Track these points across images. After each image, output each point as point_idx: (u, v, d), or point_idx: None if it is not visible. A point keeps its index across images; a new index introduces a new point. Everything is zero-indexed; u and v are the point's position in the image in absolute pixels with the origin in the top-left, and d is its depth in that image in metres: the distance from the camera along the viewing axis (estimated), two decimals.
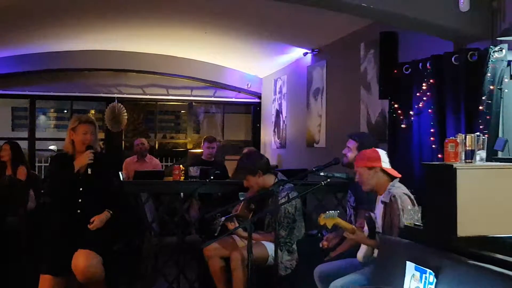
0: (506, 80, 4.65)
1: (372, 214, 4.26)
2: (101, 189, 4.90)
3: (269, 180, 5.31)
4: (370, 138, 5.26)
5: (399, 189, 4.16)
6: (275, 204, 4.97)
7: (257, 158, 5.48)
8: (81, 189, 4.84)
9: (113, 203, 4.92)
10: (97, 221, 4.77)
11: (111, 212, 4.85)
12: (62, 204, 4.89)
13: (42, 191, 6.82)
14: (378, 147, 5.02)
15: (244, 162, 5.46)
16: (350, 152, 5.00)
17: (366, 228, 4.21)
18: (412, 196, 4.09)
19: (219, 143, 9.82)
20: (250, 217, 5.24)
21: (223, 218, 5.08)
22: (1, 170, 7.17)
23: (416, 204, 4.01)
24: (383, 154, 4.37)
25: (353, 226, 4.23)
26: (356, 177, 4.40)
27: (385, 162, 4.31)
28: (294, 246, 5.21)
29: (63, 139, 5.09)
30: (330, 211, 4.17)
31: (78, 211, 4.81)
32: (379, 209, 4.26)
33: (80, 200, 4.83)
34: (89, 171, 4.82)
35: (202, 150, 8.81)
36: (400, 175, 4.32)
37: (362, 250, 4.26)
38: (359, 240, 4.24)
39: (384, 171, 4.28)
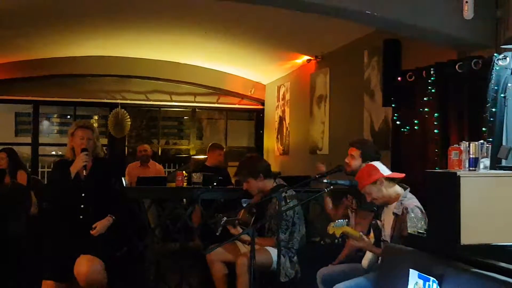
0: (510, 88, 4.65)
1: (378, 222, 4.26)
2: (103, 194, 4.89)
3: (269, 184, 5.38)
4: (372, 145, 5.25)
5: (411, 201, 4.13)
6: (275, 209, 5.01)
7: (259, 162, 5.59)
8: (83, 194, 4.84)
9: (115, 208, 4.90)
10: (100, 226, 4.76)
11: (113, 217, 4.85)
12: (64, 209, 4.88)
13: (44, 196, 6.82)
14: (380, 154, 5.04)
15: (246, 165, 5.51)
16: (354, 160, 5.00)
17: (371, 235, 4.22)
18: (423, 209, 4.07)
19: None
20: (252, 222, 5.25)
21: (224, 218, 5.10)
22: (0, 178, 7.16)
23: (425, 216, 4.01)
24: (378, 164, 4.36)
25: (360, 233, 4.22)
26: (367, 197, 4.35)
27: (384, 170, 4.28)
28: (296, 258, 5.23)
29: (66, 145, 5.09)
30: (339, 220, 4.21)
31: (81, 216, 4.80)
32: (387, 218, 4.25)
33: (82, 206, 4.81)
34: (84, 172, 4.82)
35: (205, 156, 8.80)
36: (403, 174, 4.30)
37: (367, 257, 4.27)
38: (365, 247, 4.24)
39: (388, 178, 4.25)
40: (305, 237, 5.45)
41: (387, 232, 4.20)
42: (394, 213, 4.15)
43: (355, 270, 4.41)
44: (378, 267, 4.11)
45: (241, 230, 5.10)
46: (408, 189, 4.27)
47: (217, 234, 5.11)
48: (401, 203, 4.14)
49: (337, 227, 4.14)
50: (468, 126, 4.81)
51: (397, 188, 4.26)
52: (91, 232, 4.73)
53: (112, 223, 4.83)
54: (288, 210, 5.02)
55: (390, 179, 4.26)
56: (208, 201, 6.55)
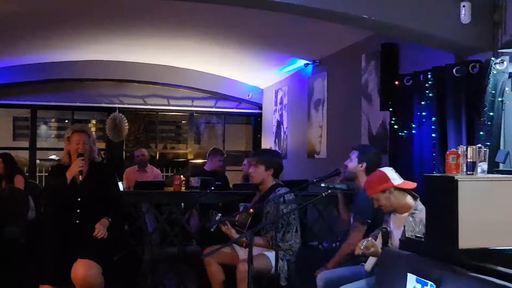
0: (507, 92, 4.66)
1: (387, 228, 4.21)
2: (99, 198, 4.88)
3: (270, 182, 5.41)
4: (373, 149, 5.23)
5: (423, 213, 3.93)
6: (271, 207, 5.06)
7: (279, 159, 5.67)
8: (79, 199, 4.83)
9: (111, 211, 4.90)
10: (101, 227, 4.74)
11: (109, 219, 4.84)
12: (60, 214, 4.87)
13: (41, 201, 6.81)
14: (380, 158, 5.02)
15: (267, 154, 5.66)
16: (351, 161, 4.98)
17: (379, 240, 4.16)
18: None
19: None
20: (249, 223, 5.25)
21: (219, 215, 5.10)
22: None
23: None
24: (389, 171, 4.24)
25: (373, 242, 4.11)
26: (375, 203, 4.26)
27: (395, 179, 4.17)
28: (294, 264, 5.23)
29: (63, 149, 5.08)
30: (365, 239, 4.07)
31: (77, 221, 4.80)
32: (395, 227, 4.19)
33: (78, 211, 4.82)
34: (80, 177, 4.81)
35: (203, 161, 8.79)
36: (415, 184, 4.21)
37: (371, 261, 4.22)
38: (372, 254, 4.16)
39: (398, 188, 4.16)
40: (302, 241, 5.43)
41: (394, 242, 4.12)
42: (405, 226, 4.06)
43: (357, 274, 4.38)
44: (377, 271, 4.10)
45: (233, 231, 5.12)
46: (418, 199, 4.15)
47: (212, 230, 5.12)
48: (413, 216, 4.01)
49: (363, 247, 4.06)
50: (465, 130, 4.82)
51: (408, 198, 4.16)
52: (94, 234, 4.71)
53: (109, 225, 4.82)
54: (286, 214, 5.03)
55: (400, 189, 4.17)
56: (206, 205, 6.54)
